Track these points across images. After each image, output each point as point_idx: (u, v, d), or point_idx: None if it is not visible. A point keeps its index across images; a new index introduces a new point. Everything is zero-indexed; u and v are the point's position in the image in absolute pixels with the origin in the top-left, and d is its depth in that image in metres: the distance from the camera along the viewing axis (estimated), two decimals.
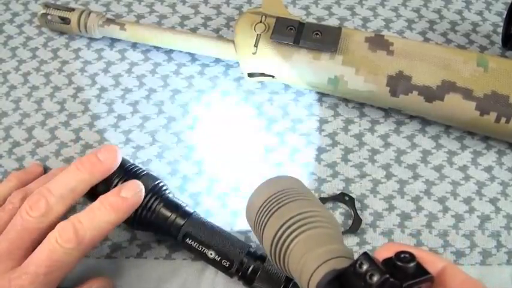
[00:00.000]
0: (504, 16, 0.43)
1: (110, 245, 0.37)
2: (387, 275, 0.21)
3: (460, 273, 0.27)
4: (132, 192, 0.32)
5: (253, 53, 0.40)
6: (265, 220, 0.27)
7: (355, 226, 0.37)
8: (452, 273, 0.26)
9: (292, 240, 0.25)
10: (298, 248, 0.25)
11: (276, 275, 0.33)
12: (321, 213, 0.27)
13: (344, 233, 0.36)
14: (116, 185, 0.34)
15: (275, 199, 0.27)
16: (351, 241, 0.37)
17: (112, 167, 0.34)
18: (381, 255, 0.23)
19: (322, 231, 0.26)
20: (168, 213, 0.34)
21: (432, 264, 0.24)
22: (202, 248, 0.34)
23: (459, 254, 0.36)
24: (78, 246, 0.30)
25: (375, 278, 0.21)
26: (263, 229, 0.27)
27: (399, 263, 0.21)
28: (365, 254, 0.22)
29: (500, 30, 0.46)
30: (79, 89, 0.44)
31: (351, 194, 0.38)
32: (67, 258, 0.30)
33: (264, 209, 0.27)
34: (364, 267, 0.22)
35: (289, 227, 0.26)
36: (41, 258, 0.29)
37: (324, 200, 0.38)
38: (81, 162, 0.33)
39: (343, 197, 0.38)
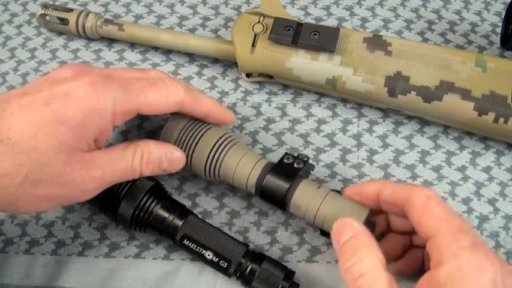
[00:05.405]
0: (503, 16, 0.43)
1: (108, 245, 0.37)
2: (306, 159, 0.34)
3: (441, 210, 0.28)
4: None
5: (252, 54, 0.40)
6: (194, 141, 0.34)
7: None
8: (433, 205, 0.28)
9: (226, 152, 0.34)
10: (231, 157, 0.34)
11: (274, 275, 0.33)
12: (233, 133, 0.37)
13: None
14: (114, 189, 0.34)
15: (195, 126, 0.35)
16: None
17: None
18: (367, 188, 0.31)
19: (242, 144, 0.36)
20: (165, 215, 0.34)
21: (409, 198, 0.29)
22: (199, 249, 0.34)
23: None
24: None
25: (302, 164, 0.33)
26: (193, 149, 0.34)
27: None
28: (286, 153, 0.34)
29: (499, 30, 0.46)
30: None
31: None
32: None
33: (189, 132, 0.35)
34: (290, 160, 0.34)
35: (221, 144, 0.34)
36: None
37: None
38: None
39: None
